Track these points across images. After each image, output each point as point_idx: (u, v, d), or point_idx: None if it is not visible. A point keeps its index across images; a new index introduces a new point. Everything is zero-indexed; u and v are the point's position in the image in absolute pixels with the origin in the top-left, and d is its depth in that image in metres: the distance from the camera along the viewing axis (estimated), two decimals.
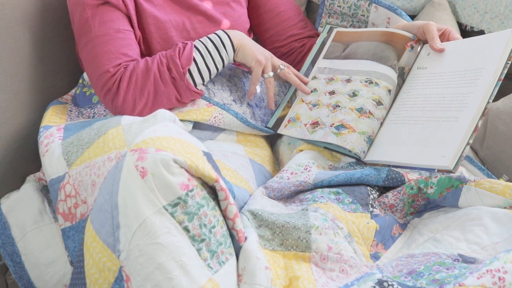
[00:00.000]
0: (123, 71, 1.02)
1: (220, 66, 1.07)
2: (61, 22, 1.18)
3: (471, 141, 0.87)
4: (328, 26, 1.21)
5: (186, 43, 1.04)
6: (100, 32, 1.03)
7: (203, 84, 1.07)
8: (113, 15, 1.05)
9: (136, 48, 1.07)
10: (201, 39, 1.07)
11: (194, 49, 1.04)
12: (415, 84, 1.02)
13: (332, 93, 1.07)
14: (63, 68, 1.21)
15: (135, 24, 1.08)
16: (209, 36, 1.07)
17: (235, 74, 1.19)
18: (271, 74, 1.11)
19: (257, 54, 1.08)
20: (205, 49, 1.05)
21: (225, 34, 1.07)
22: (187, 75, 1.02)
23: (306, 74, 1.16)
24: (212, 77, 1.07)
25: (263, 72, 1.10)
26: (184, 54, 1.02)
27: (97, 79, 1.03)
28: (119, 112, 1.03)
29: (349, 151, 0.99)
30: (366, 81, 1.04)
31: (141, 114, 1.01)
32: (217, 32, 1.08)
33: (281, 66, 1.12)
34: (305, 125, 1.05)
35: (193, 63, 1.03)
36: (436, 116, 0.93)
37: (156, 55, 1.04)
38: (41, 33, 1.15)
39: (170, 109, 1.04)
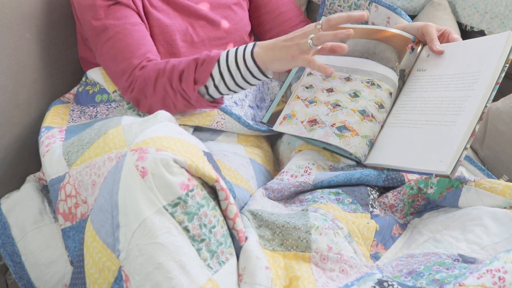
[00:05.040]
0: (144, 67, 1.02)
1: (246, 86, 1.00)
2: (62, 22, 1.18)
3: (468, 146, 0.87)
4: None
5: (211, 56, 0.98)
6: (118, 28, 1.04)
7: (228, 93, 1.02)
8: (126, 12, 1.06)
9: (151, 39, 1.08)
10: (228, 56, 0.98)
11: (216, 66, 0.98)
12: (414, 87, 1.02)
13: (330, 90, 1.06)
14: (63, 68, 1.21)
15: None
16: (237, 61, 0.97)
17: None
18: (310, 42, 0.94)
19: (286, 53, 0.95)
20: (226, 70, 0.98)
21: (251, 59, 0.96)
22: (202, 90, 1.00)
23: (301, 69, 1.16)
24: (239, 91, 1.01)
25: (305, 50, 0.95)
26: (203, 67, 0.98)
27: (122, 73, 1.04)
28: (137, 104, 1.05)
29: (350, 154, 0.99)
30: (368, 82, 1.04)
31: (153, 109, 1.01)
32: (246, 56, 0.97)
33: (310, 40, 0.94)
34: (302, 122, 1.04)
35: (210, 79, 0.98)
36: (434, 120, 0.93)
37: (172, 65, 1.00)
38: (41, 33, 1.15)
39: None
